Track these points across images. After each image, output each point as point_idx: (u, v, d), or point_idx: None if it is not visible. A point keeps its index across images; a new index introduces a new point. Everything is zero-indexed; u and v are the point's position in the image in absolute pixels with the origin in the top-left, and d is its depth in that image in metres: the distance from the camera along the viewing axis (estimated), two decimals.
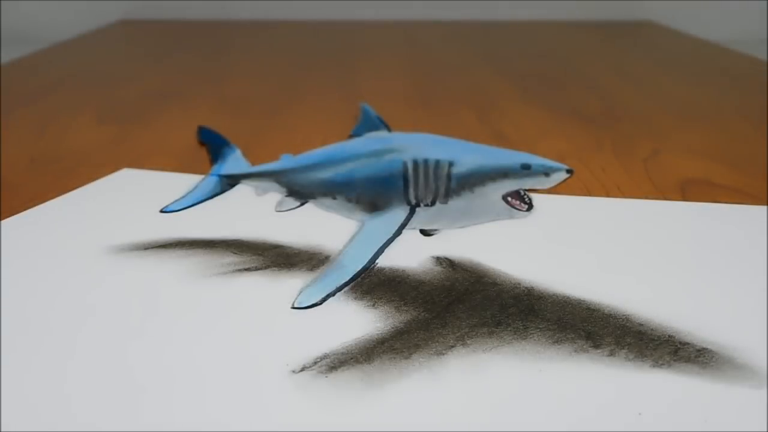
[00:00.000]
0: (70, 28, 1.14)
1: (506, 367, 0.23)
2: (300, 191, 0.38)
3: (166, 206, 0.37)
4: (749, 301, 0.27)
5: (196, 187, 0.39)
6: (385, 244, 0.32)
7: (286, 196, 0.38)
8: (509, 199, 0.35)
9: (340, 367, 0.23)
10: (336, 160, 0.39)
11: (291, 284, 0.29)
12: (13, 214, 0.36)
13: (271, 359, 0.24)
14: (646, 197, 0.38)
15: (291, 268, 0.30)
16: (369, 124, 0.47)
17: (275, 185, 0.39)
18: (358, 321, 0.26)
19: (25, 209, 0.36)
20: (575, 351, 0.24)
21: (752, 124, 0.52)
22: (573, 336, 0.25)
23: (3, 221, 0.35)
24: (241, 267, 0.30)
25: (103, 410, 0.21)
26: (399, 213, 0.34)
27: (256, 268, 0.30)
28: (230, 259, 0.31)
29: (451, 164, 0.36)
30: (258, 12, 1.25)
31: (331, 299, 0.28)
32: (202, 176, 0.41)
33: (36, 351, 0.24)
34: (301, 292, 0.28)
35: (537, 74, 0.74)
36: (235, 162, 0.43)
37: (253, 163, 0.42)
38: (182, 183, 0.39)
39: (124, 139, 0.50)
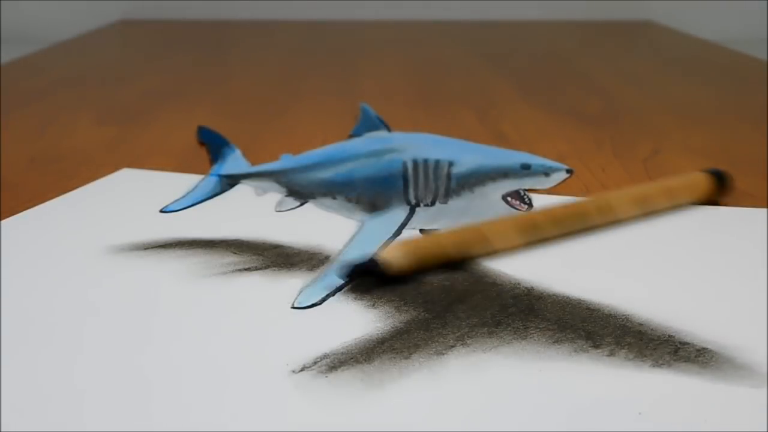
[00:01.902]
0: (70, 28, 1.14)
1: (506, 367, 0.23)
2: (300, 191, 0.38)
3: (166, 206, 0.37)
4: (749, 302, 0.27)
5: (196, 187, 0.39)
6: (385, 244, 0.32)
7: (286, 196, 0.38)
8: (509, 199, 0.35)
9: (340, 367, 0.23)
10: (336, 160, 0.39)
11: (291, 284, 0.29)
12: (13, 214, 0.36)
13: (271, 359, 0.24)
14: None
15: (291, 268, 0.30)
16: (369, 124, 0.47)
17: (275, 185, 0.39)
18: (358, 321, 0.26)
19: (25, 209, 0.36)
20: (575, 351, 0.24)
21: (752, 124, 0.52)
22: (573, 336, 0.25)
23: (3, 221, 0.35)
24: (241, 267, 0.30)
25: (102, 410, 0.21)
26: (399, 213, 0.34)
27: (256, 268, 0.30)
28: (230, 259, 0.31)
29: (451, 164, 0.36)
30: (258, 12, 1.25)
31: (331, 299, 0.28)
32: (202, 176, 0.41)
33: (35, 351, 0.24)
34: (301, 292, 0.28)
35: (537, 74, 0.74)
36: (235, 162, 0.43)
37: (253, 163, 0.42)
38: (182, 183, 0.39)
39: (124, 139, 0.50)
